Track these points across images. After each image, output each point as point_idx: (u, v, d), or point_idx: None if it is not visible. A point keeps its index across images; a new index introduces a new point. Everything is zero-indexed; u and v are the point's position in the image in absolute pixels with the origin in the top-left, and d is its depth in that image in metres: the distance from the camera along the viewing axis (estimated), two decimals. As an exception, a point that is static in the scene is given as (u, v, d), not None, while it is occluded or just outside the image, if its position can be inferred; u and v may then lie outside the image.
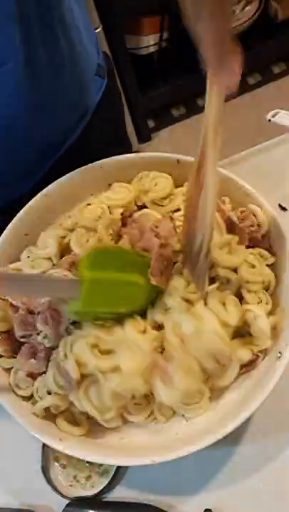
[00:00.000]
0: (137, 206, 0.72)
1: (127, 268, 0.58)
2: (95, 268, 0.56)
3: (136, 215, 0.70)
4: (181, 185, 0.72)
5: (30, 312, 0.66)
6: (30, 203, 0.73)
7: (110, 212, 0.70)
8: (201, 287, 0.60)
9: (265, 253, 0.66)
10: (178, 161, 0.72)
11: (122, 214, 0.70)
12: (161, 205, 0.70)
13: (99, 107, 0.83)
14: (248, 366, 0.62)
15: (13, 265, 0.71)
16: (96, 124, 0.83)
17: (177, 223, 0.65)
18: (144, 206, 0.72)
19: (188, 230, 0.59)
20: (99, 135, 0.85)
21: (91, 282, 0.55)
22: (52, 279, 0.62)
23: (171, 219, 0.66)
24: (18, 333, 0.65)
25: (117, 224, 0.69)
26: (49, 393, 0.63)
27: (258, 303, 0.63)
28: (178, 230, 0.65)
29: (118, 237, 0.68)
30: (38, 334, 0.64)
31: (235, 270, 0.63)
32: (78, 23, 0.71)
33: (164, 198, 0.70)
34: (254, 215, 0.68)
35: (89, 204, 0.71)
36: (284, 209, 0.83)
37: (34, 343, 0.65)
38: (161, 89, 1.75)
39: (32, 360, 0.64)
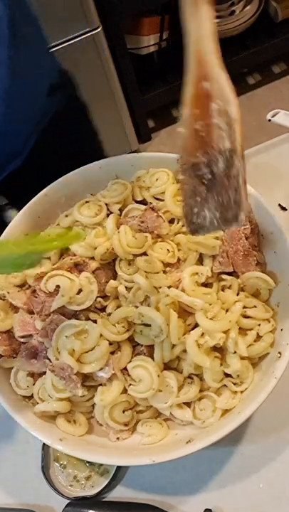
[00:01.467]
0: (136, 202, 0.72)
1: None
2: None
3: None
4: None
5: (30, 312, 0.66)
6: (30, 202, 0.73)
7: (108, 209, 0.70)
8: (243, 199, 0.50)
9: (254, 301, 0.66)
10: (178, 160, 0.71)
11: (120, 210, 0.71)
12: (163, 200, 0.70)
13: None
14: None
15: (13, 265, 0.71)
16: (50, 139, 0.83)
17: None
18: (143, 201, 0.72)
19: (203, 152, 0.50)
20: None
21: None
22: None
23: (152, 209, 0.67)
24: (18, 333, 0.65)
25: (117, 219, 0.70)
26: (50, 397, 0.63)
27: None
28: (160, 214, 0.67)
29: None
30: (37, 334, 0.64)
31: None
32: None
33: (164, 192, 0.70)
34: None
35: (87, 202, 0.72)
36: (284, 209, 0.83)
37: (35, 343, 0.65)
38: (161, 89, 1.75)
39: (33, 360, 0.64)
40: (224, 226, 0.51)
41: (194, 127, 0.50)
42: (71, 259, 0.66)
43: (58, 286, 0.63)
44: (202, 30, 0.51)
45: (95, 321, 0.63)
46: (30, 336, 0.65)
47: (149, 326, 0.62)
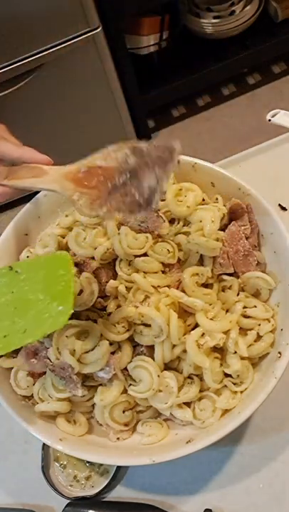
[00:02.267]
0: None
1: None
2: None
3: None
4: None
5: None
6: (30, 202, 0.73)
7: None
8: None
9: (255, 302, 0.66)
10: (178, 160, 0.72)
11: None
12: (163, 200, 0.70)
13: None
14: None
15: (13, 265, 0.71)
16: None
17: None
18: None
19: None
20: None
21: None
22: None
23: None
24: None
25: (117, 219, 0.69)
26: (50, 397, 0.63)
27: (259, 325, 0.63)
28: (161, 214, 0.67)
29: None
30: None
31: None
32: None
33: (164, 193, 0.70)
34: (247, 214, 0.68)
35: None
36: (284, 209, 0.83)
37: (34, 342, 0.65)
38: (161, 89, 1.75)
39: (32, 359, 0.64)
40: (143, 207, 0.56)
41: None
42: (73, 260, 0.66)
43: None
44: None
45: (95, 321, 0.63)
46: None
47: (149, 326, 0.62)
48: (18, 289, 0.58)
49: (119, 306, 0.65)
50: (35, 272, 0.59)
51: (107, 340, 0.61)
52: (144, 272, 0.64)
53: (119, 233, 0.65)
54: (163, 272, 0.66)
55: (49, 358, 0.62)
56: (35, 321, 0.56)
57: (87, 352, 0.61)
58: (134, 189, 0.55)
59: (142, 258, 0.65)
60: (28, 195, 0.74)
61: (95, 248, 0.66)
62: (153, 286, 0.64)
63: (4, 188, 0.62)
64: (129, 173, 0.56)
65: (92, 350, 0.60)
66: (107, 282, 0.66)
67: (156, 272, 0.65)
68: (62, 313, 0.54)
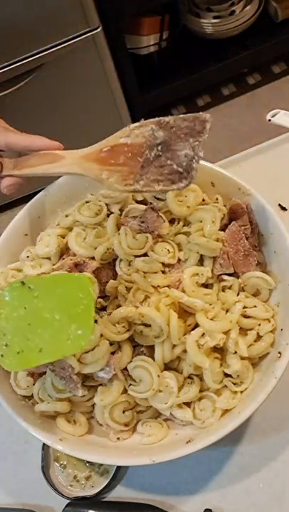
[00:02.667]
0: (137, 202, 0.72)
1: None
2: None
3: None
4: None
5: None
6: (30, 202, 0.73)
7: (109, 209, 0.70)
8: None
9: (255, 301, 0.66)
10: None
11: (120, 210, 0.71)
12: (163, 200, 0.70)
13: None
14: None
15: (13, 265, 0.71)
16: None
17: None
18: (143, 202, 0.72)
19: None
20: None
21: None
22: None
23: (153, 209, 0.67)
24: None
25: (117, 219, 0.69)
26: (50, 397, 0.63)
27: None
28: (161, 214, 0.67)
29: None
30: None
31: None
32: None
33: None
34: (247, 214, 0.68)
35: (87, 202, 0.71)
36: (284, 209, 0.83)
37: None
38: (161, 89, 1.75)
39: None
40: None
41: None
42: (71, 260, 0.66)
43: None
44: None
45: (95, 321, 0.63)
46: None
47: (149, 326, 0.62)
48: (32, 306, 0.57)
49: (119, 306, 0.65)
50: (51, 290, 0.57)
51: (107, 340, 0.61)
52: (144, 272, 0.64)
53: (119, 233, 0.65)
54: (163, 272, 0.66)
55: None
56: (52, 341, 0.55)
57: (87, 352, 0.61)
58: (170, 160, 0.55)
59: (142, 258, 0.65)
60: (28, 195, 0.75)
61: (95, 248, 0.66)
62: (153, 286, 0.64)
63: (13, 179, 0.61)
64: (160, 146, 0.56)
65: (92, 350, 0.60)
66: (107, 282, 0.66)
67: (156, 272, 0.65)
68: (82, 336, 0.55)
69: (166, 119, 0.58)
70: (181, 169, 0.55)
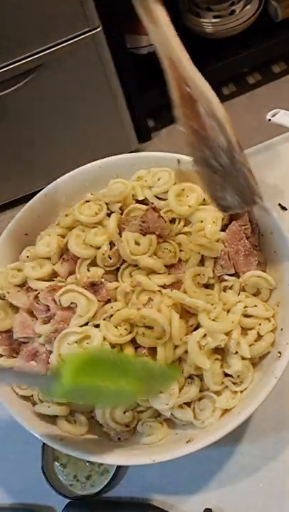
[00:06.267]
0: (137, 201, 0.72)
1: (116, 374, 0.53)
2: (78, 374, 0.50)
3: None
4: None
5: (30, 312, 0.66)
6: (30, 202, 0.73)
7: (109, 209, 0.70)
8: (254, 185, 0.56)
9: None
10: (178, 160, 0.72)
11: (120, 209, 0.71)
12: (164, 199, 0.70)
13: None
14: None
15: (13, 265, 0.71)
16: None
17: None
18: (144, 201, 0.72)
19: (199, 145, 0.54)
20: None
21: (69, 391, 0.51)
22: (26, 374, 0.60)
23: (154, 209, 0.67)
24: (16, 334, 0.65)
25: (118, 218, 0.70)
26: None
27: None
28: (162, 214, 0.67)
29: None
30: (39, 337, 0.64)
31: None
32: None
33: (166, 192, 0.70)
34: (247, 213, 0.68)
35: (87, 201, 0.71)
36: (284, 209, 0.83)
37: (36, 345, 0.64)
38: (161, 89, 1.75)
39: (32, 362, 0.64)
40: (247, 207, 0.62)
41: (190, 125, 0.54)
42: (88, 278, 0.65)
43: (72, 303, 0.63)
44: (162, 34, 0.55)
45: (97, 325, 0.63)
46: (30, 338, 0.65)
47: (151, 328, 0.62)
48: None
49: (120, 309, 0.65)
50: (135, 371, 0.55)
51: (109, 342, 0.61)
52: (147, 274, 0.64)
53: (121, 241, 0.65)
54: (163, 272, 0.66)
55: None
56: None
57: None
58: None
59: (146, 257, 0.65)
60: (28, 195, 0.74)
61: (96, 248, 0.66)
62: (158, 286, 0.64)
63: None
64: None
65: None
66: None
67: (158, 273, 0.65)
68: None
69: None
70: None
